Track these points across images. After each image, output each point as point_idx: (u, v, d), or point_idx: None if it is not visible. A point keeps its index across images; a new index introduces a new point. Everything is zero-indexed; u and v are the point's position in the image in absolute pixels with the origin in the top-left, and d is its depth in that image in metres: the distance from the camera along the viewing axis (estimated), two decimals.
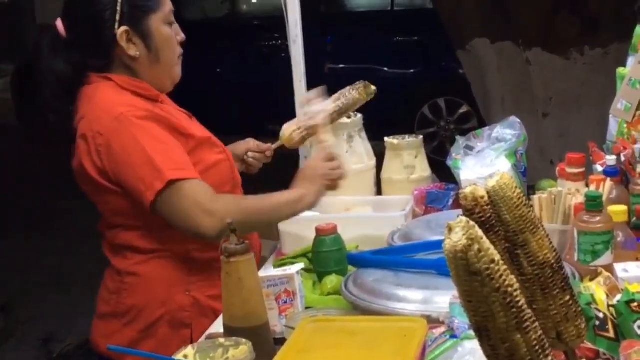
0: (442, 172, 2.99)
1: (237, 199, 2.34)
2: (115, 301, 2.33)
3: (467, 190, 1.24)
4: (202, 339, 2.00)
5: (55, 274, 5.81)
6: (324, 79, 2.77)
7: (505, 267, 0.95)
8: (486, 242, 0.95)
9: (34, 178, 7.58)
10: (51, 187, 7.43)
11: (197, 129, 2.37)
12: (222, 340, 1.81)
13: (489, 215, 1.24)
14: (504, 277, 0.95)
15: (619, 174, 2.39)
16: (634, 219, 2.19)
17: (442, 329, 1.72)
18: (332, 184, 2.39)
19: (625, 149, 2.51)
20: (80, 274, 5.69)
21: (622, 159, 2.48)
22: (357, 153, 2.93)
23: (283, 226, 2.61)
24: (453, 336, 1.67)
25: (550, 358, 0.97)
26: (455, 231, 0.94)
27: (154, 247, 2.30)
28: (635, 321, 1.54)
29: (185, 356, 1.76)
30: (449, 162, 2.86)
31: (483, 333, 0.97)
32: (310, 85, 3.20)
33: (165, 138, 2.22)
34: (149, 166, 2.17)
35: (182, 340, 2.22)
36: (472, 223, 0.95)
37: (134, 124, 2.20)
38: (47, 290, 5.58)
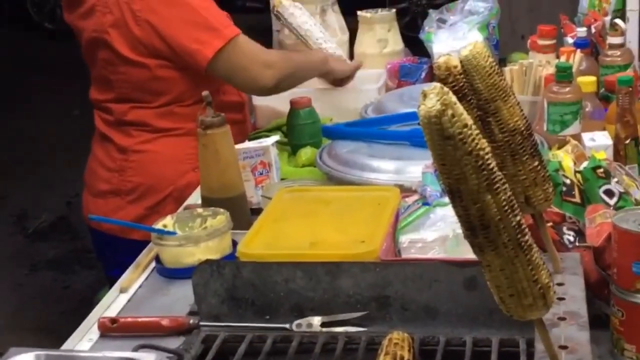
0: (414, 47, 3.00)
1: (285, 53, 2.47)
2: (117, 179, 2.34)
3: (440, 59, 1.26)
4: (181, 209, 2.04)
5: (27, 153, 5.81)
6: None
7: (477, 131, 0.98)
8: (459, 107, 0.97)
9: (4, 57, 7.49)
10: (22, 66, 7.37)
11: None
12: (200, 210, 1.86)
13: (462, 84, 1.26)
14: (476, 141, 0.98)
15: (589, 46, 2.42)
16: (602, 89, 2.23)
17: (415, 197, 1.77)
18: (341, 79, 2.56)
19: (595, 20, 2.53)
20: (52, 153, 5.70)
21: (593, 30, 2.50)
22: (330, 27, 2.91)
23: (257, 100, 2.62)
24: (425, 203, 1.72)
25: (519, 217, 1.02)
26: (430, 97, 0.97)
27: (166, 125, 2.31)
28: (600, 186, 1.59)
29: (165, 226, 1.81)
30: (422, 36, 2.87)
31: (455, 195, 1.01)
32: None
33: None
34: (204, 26, 2.20)
35: None
36: (446, 89, 0.97)
37: None
38: (19, 168, 5.59)
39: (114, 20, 2.22)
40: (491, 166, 1.00)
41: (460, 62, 1.26)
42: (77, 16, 2.32)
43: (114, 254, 2.27)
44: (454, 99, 0.98)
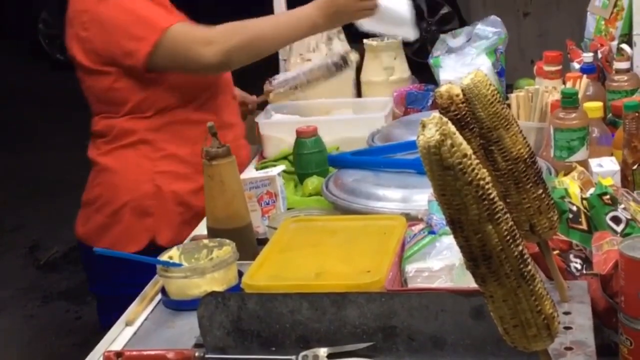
0: (423, 74, 3.01)
1: (236, 23, 2.35)
2: (88, 189, 2.42)
3: (442, 88, 1.26)
4: (187, 240, 2.04)
5: (40, 184, 5.82)
6: None
7: (477, 161, 0.98)
8: (459, 137, 0.97)
9: (11, 94, 7.54)
10: (35, 98, 7.42)
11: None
12: (206, 241, 1.85)
13: (464, 112, 1.26)
14: (475, 171, 0.97)
15: (596, 71, 2.41)
16: (610, 114, 2.22)
17: (421, 225, 1.76)
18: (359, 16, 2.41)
19: (602, 45, 2.53)
20: (64, 183, 5.71)
21: (599, 55, 2.50)
22: (336, 55, 2.92)
23: (264, 130, 2.63)
24: (431, 232, 1.71)
25: (521, 247, 1.01)
26: (429, 127, 0.96)
27: (129, 135, 2.34)
28: (607, 213, 1.57)
29: (170, 257, 1.80)
30: (430, 61, 2.87)
31: (456, 225, 1.00)
32: None
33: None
34: (142, 23, 2.23)
35: (145, 228, 2.31)
36: (445, 119, 0.97)
37: None
38: (32, 200, 5.61)
39: (74, 33, 2.31)
40: (492, 196, 0.99)
41: (462, 90, 1.25)
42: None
43: (99, 266, 2.28)
44: (452, 128, 0.97)
